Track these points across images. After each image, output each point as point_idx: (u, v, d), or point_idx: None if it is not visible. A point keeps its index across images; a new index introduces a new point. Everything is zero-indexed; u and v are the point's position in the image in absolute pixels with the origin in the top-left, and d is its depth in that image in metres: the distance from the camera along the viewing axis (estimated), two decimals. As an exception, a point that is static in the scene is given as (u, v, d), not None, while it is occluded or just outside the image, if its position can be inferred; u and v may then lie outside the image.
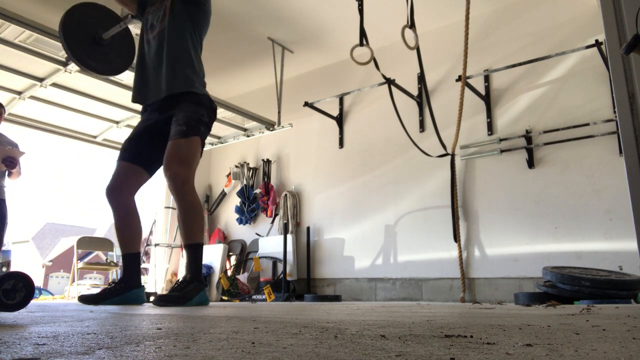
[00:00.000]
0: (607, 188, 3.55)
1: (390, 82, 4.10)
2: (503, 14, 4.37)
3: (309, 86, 5.51)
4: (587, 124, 3.66)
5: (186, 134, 2.39)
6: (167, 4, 2.58)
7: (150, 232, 6.20)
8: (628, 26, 1.67)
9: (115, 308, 1.99)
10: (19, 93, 4.37)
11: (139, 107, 3.18)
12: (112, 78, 4.16)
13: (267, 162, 5.71)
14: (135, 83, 2.64)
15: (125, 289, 2.46)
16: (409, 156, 4.51)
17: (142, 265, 6.34)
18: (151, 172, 2.59)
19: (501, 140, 4.08)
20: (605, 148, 3.62)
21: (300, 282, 5.00)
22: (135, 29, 3.17)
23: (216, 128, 5.46)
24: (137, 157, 2.54)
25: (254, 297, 4.78)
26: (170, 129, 2.44)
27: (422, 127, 4.56)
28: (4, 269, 5.75)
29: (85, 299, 2.42)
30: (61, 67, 3.93)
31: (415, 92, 4.61)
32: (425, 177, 4.44)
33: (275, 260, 5.13)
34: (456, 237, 4.03)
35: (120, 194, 2.50)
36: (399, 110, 4.03)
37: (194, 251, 2.37)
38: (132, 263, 2.53)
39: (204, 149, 2.63)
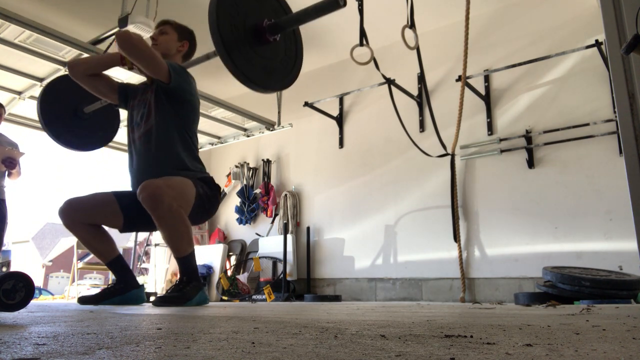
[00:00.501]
0: (607, 188, 3.55)
1: (390, 82, 4.10)
2: (503, 14, 4.37)
3: (309, 86, 5.51)
4: (587, 124, 3.66)
5: (180, 176, 2.32)
6: (151, 101, 2.44)
7: (150, 232, 6.20)
8: (628, 26, 1.67)
9: (115, 308, 1.99)
10: (19, 93, 4.37)
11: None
12: (112, 77, 4.15)
13: (267, 162, 5.71)
14: (131, 181, 2.51)
15: (125, 289, 2.46)
16: (409, 156, 4.51)
17: (142, 265, 6.36)
18: (126, 226, 2.46)
19: (501, 140, 4.08)
20: (605, 148, 3.62)
21: (300, 282, 5.00)
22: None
23: (216, 128, 5.46)
24: (128, 206, 2.42)
25: (254, 297, 4.78)
26: None
27: (422, 127, 4.56)
28: (4, 269, 5.75)
29: (85, 300, 2.42)
30: (61, 67, 3.93)
31: (415, 92, 4.61)
32: (425, 177, 4.44)
33: (275, 260, 5.13)
34: (456, 237, 4.03)
35: (76, 217, 2.39)
36: (399, 110, 4.03)
37: (185, 262, 2.30)
38: (120, 266, 2.51)
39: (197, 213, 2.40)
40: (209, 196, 2.43)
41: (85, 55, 3.63)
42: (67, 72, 2.50)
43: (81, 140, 2.91)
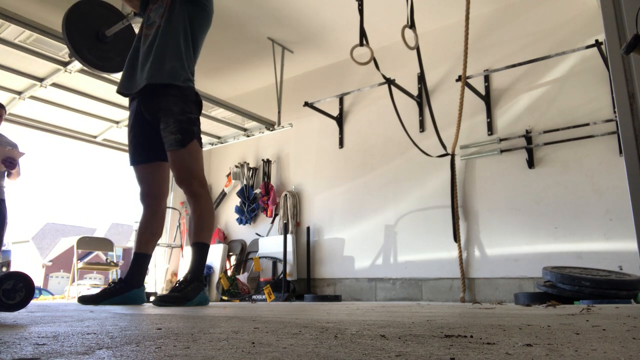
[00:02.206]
0: (607, 188, 3.55)
1: (390, 82, 4.10)
2: (503, 14, 4.37)
3: (309, 86, 5.51)
4: (587, 124, 3.66)
5: (182, 143, 2.37)
6: (169, 2, 2.54)
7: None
8: (628, 26, 1.67)
9: (115, 308, 1.99)
10: (19, 93, 4.37)
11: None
12: (112, 77, 4.16)
13: (267, 162, 5.71)
14: (123, 75, 2.60)
15: (125, 289, 2.46)
16: (409, 156, 4.51)
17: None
18: (166, 158, 2.57)
19: (501, 140, 4.08)
20: (605, 148, 3.62)
21: (300, 282, 5.00)
22: (137, 28, 3.16)
23: (216, 128, 5.46)
24: (149, 155, 2.54)
25: (254, 297, 4.78)
26: (162, 133, 2.40)
27: (422, 127, 4.56)
28: (4, 269, 5.75)
29: (85, 300, 2.42)
30: (61, 67, 3.93)
31: (415, 92, 4.61)
32: (425, 177, 4.44)
33: (275, 260, 5.13)
34: (456, 237, 4.03)
35: (155, 198, 2.57)
36: (399, 110, 4.03)
37: (200, 250, 2.40)
38: (141, 263, 2.54)
39: (202, 144, 2.61)
40: (199, 118, 2.55)
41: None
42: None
43: (100, 62, 3.01)
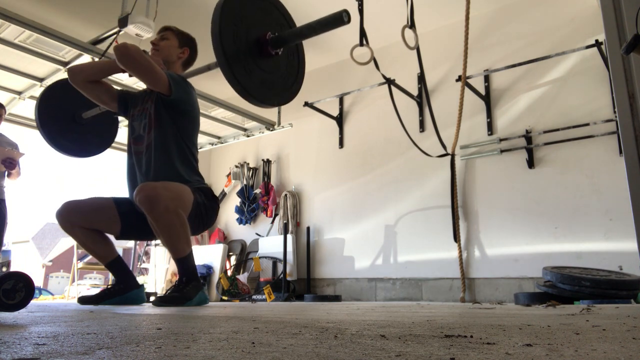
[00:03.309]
0: (607, 188, 3.55)
1: (390, 82, 4.10)
2: (503, 14, 4.37)
3: (309, 86, 5.46)
4: (587, 124, 3.66)
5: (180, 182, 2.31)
6: (151, 111, 2.42)
7: (147, 242, 6.19)
8: (628, 26, 1.67)
9: (115, 308, 1.99)
10: (19, 93, 4.37)
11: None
12: (111, 78, 4.15)
13: (267, 162, 5.71)
14: (129, 193, 2.49)
15: (125, 290, 2.46)
16: (409, 156, 4.51)
17: (142, 265, 6.36)
18: (123, 233, 2.44)
19: (501, 140, 4.08)
20: (605, 148, 3.62)
21: (300, 282, 5.00)
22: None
23: (216, 128, 5.45)
24: (126, 213, 2.42)
25: (254, 297, 4.78)
26: None
27: (422, 127, 4.56)
28: (4, 269, 5.75)
29: (85, 300, 2.42)
30: (61, 67, 3.93)
31: (415, 92, 4.61)
32: (425, 177, 4.44)
33: (275, 260, 5.13)
34: (456, 237, 4.03)
35: (73, 220, 2.37)
36: (399, 110, 4.03)
37: (183, 263, 2.28)
38: (119, 267, 2.50)
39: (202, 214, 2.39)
40: (207, 206, 2.41)
41: (86, 55, 3.63)
42: (67, 77, 2.47)
43: (77, 146, 2.86)
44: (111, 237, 2.53)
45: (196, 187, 2.40)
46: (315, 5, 4.43)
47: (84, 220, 2.39)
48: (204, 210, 2.38)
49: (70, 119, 2.80)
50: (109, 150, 5.83)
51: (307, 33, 2.02)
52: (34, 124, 4.91)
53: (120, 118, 3.05)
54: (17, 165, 3.66)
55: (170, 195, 2.17)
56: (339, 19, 1.90)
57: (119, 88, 2.72)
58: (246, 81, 1.92)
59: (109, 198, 2.50)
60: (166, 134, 2.39)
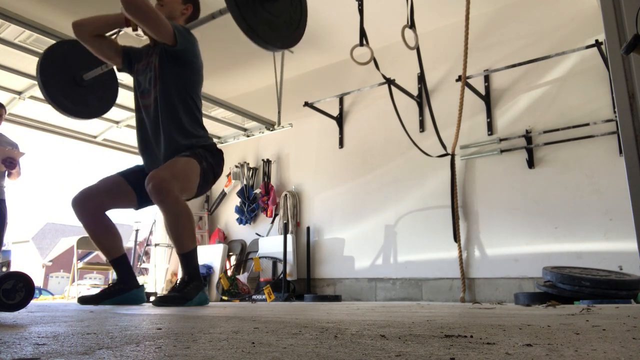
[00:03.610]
0: (607, 188, 3.55)
1: (390, 82, 4.10)
2: (503, 14, 4.37)
3: (309, 86, 5.51)
4: (587, 124, 3.66)
5: (186, 155, 2.33)
6: (156, 64, 2.44)
7: (150, 232, 6.19)
8: (628, 26, 1.67)
9: (115, 308, 1.99)
10: (19, 93, 4.37)
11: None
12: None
13: (267, 162, 5.72)
14: (140, 151, 2.54)
15: (125, 289, 2.46)
16: (409, 156, 4.51)
17: (142, 265, 6.36)
18: (140, 202, 2.46)
19: (501, 140, 4.08)
20: (605, 148, 3.62)
21: (300, 282, 5.00)
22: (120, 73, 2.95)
23: (216, 128, 5.46)
24: (135, 183, 2.44)
25: (254, 297, 4.78)
26: None
27: (422, 127, 4.56)
28: (4, 269, 5.75)
29: (85, 300, 2.42)
30: (61, 67, 3.93)
31: (415, 92, 4.61)
32: (425, 177, 4.44)
33: (275, 260, 5.13)
34: (456, 237, 4.03)
35: (94, 204, 2.39)
36: (399, 110, 4.03)
37: (187, 259, 2.30)
38: (123, 265, 2.51)
39: (207, 182, 2.48)
40: (213, 165, 2.46)
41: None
42: (72, 27, 2.49)
43: (79, 107, 2.84)
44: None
45: (201, 144, 2.43)
46: (315, 5, 4.43)
47: (102, 203, 2.41)
48: (210, 171, 2.43)
49: (72, 80, 2.79)
50: (109, 151, 5.83)
51: None
52: (34, 123, 4.94)
53: (121, 78, 3.02)
54: (17, 165, 3.66)
55: (179, 185, 2.22)
56: None
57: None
58: (252, 20, 2.02)
59: (115, 174, 2.52)
60: (171, 87, 2.43)
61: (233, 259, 5.63)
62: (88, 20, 2.49)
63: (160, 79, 2.42)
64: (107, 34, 2.54)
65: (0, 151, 3.57)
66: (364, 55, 3.45)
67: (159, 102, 2.41)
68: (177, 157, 2.33)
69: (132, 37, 2.51)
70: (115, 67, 2.72)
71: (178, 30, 2.36)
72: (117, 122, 5.18)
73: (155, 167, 2.36)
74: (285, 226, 5.12)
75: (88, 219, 2.40)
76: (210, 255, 5.45)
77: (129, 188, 2.46)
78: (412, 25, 3.40)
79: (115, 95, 3.07)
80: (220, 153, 2.55)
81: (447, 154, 4.09)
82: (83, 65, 2.80)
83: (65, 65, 2.78)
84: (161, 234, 5.94)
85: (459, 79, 3.89)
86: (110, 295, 2.42)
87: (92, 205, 2.40)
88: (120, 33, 2.63)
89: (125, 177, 2.48)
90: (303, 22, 2.35)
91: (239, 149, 6.07)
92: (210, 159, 2.45)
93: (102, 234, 2.44)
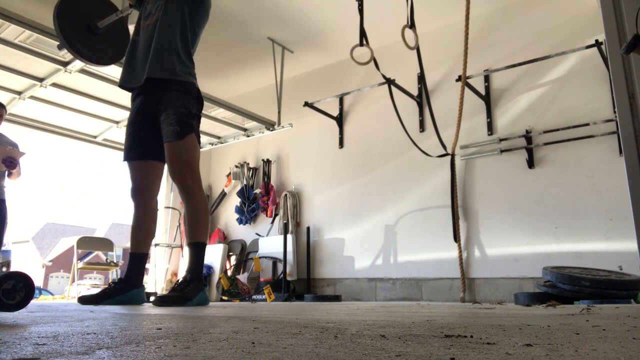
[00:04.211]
0: (607, 188, 3.55)
1: (390, 82, 4.10)
2: (503, 14, 4.37)
3: (309, 86, 5.51)
4: (587, 124, 3.66)
5: (181, 135, 2.38)
6: None
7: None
8: (628, 26, 1.67)
9: (115, 308, 1.99)
10: (19, 93, 4.37)
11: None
12: (112, 77, 4.16)
13: (267, 162, 5.71)
14: (124, 68, 2.62)
15: (125, 289, 2.46)
16: (409, 156, 4.51)
17: (142, 265, 6.35)
18: (162, 158, 2.56)
19: (501, 140, 4.08)
20: (605, 148, 3.62)
21: (300, 282, 5.00)
22: (130, 24, 3.10)
23: (216, 128, 5.46)
24: (145, 152, 2.53)
25: (254, 297, 4.78)
26: (162, 125, 2.42)
27: (422, 127, 4.56)
28: (4, 269, 5.75)
29: (84, 300, 2.42)
30: (61, 67, 3.93)
31: (415, 92, 4.61)
32: (425, 177, 4.44)
33: (275, 260, 5.13)
34: (456, 237, 4.03)
35: (144, 195, 2.54)
36: (399, 110, 4.03)
37: (197, 249, 2.39)
38: (138, 263, 2.53)
39: (201, 141, 2.61)
40: (199, 115, 2.54)
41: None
42: None
43: (91, 53, 2.95)
44: (122, 231, 2.53)
45: (186, 81, 2.48)
46: (316, 5, 4.43)
47: (153, 185, 2.58)
48: (198, 124, 2.52)
49: (86, 26, 2.88)
50: (109, 151, 5.83)
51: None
52: (34, 123, 4.94)
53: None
54: (17, 165, 3.66)
55: (193, 173, 2.40)
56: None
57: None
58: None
59: (134, 163, 2.54)
60: (174, 14, 2.50)
61: (233, 259, 5.63)
62: None
63: (165, 6, 2.51)
64: None
65: (0, 151, 3.56)
66: (364, 55, 3.45)
67: (159, 22, 2.49)
68: (176, 141, 2.37)
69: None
70: (129, 4, 2.83)
71: None
72: (117, 122, 5.18)
73: (132, 83, 2.51)
74: (285, 226, 5.12)
75: (143, 206, 2.53)
76: (210, 255, 5.44)
77: (151, 163, 2.54)
78: (412, 25, 3.39)
79: (127, 42, 3.16)
80: (200, 94, 2.60)
81: (447, 154, 4.09)
82: (96, 14, 2.91)
83: (80, 13, 2.88)
84: (161, 234, 5.94)
85: (459, 79, 3.89)
86: (110, 295, 2.42)
87: (149, 193, 2.56)
88: None
89: (140, 159, 2.54)
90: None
91: (239, 149, 6.07)
92: (196, 110, 2.52)
93: (142, 224, 2.53)
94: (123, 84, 2.60)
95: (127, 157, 2.56)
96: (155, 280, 5.82)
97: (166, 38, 2.47)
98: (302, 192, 5.36)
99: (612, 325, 0.99)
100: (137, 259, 2.53)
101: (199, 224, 2.40)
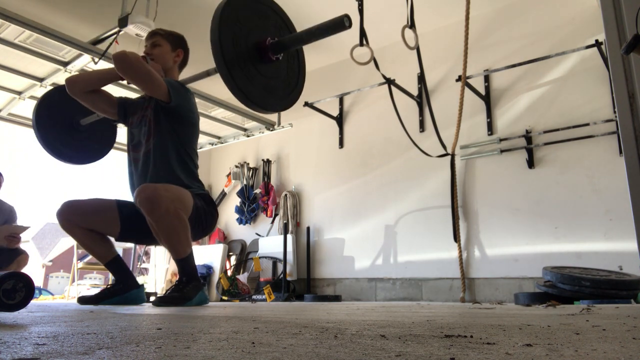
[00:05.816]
0: (607, 188, 3.55)
1: (390, 82, 4.10)
2: (503, 14, 4.37)
3: (309, 86, 5.44)
4: (587, 124, 3.66)
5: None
6: (151, 118, 2.42)
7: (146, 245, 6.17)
8: (628, 26, 1.67)
9: (115, 308, 1.99)
10: (19, 93, 4.36)
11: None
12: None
13: (267, 162, 5.72)
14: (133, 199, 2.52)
15: (125, 290, 2.46)
16: (409, 156, 4.51)
17: (142, 265, 6.36)
18: (122, 235, 2.46)
19: (501, 140, 4.08)
20: (605, 148, 3.62)
21: (300, 282, 5.00)
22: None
23: (216, 128, 5.45)
24: (127, 216, 2.43)
25: (254, 297, 4.78)
26: None
27: (422, 127, 4.56)
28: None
29: (84, 300, 2.42)
30: (61, 67, 3.93)
31: (415, 92, 4.61)
32: (425, 177, 4.44)
33: (275, 260, 5.13)
34: (456, 237, 4.03)
35: (74, 220, 2.38)
36: (399, 110, 4.03)
37: (183, 263, 2.27)
38: (119, 267, 2.51)
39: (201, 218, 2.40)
40: (206, 211, 2.41)
41: (86, 55, 3.63)
42: (65, 84, 2.45)
43: (77, 154, 2.84)
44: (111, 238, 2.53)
45: (196, 193, 2.40)
46: (315, 6, 4.43)
47: (83, 221, 2.39)
48: (203, 215, 2.38)
49: (69, 125, 2.77)
50: (111, 152, 5.83)
51: (307, 38, 2.02)
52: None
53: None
54: (19, 240, 3.68)
55: (171, 196, 2.17)
56: (340, 24, 1.90)
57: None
58: (248, 87, 1.92)
59: (112, 200, 2.49)
60: (166, 141, 2.40)
61: (233, 259, 5.63)
62: (81, 77, 2.46)
63: (155, 133, 2.40)
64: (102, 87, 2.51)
65: (5, 229, 3.58)
66: (364, 55, 3.45)
67: (152, 155, 2.38)
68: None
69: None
70: (111, 121, 2.71)
71: (172, 87, 2.33)
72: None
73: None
74: (285, 226, 5.12)
75: (71, 231, 2.39)
76: (210, 255, 5.45)
77: (116, 218, 2.43)
78: (412, 25, 3.39)
79: (114, 136, 3.07)
80: (214, 205, 2.51)
81: (447, 154, 4.09)
82: (79, 111, 2.77)
83: (61, 112, 2.75)
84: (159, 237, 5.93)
85: (459, 79, 3.89)
86: (110, 296, 2.42)
87: (75, 219, 2.38)
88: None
89: (119, 207, 2.46)
90: (301, 79, 2.31)
91: (239, 149, 6.07)
92: (204, 206, 2.40)
93: (89, 241, 2.43)
94: None
95: (119, 200, 2.51)
96: (155, 280, 5.82)
97: (167, 175, 2.36)
98: (302, 192, 5.36)
99: (612, 325, 0.99)
100: (115, 264, 2.49)
101: (178, 243, 2.20)
